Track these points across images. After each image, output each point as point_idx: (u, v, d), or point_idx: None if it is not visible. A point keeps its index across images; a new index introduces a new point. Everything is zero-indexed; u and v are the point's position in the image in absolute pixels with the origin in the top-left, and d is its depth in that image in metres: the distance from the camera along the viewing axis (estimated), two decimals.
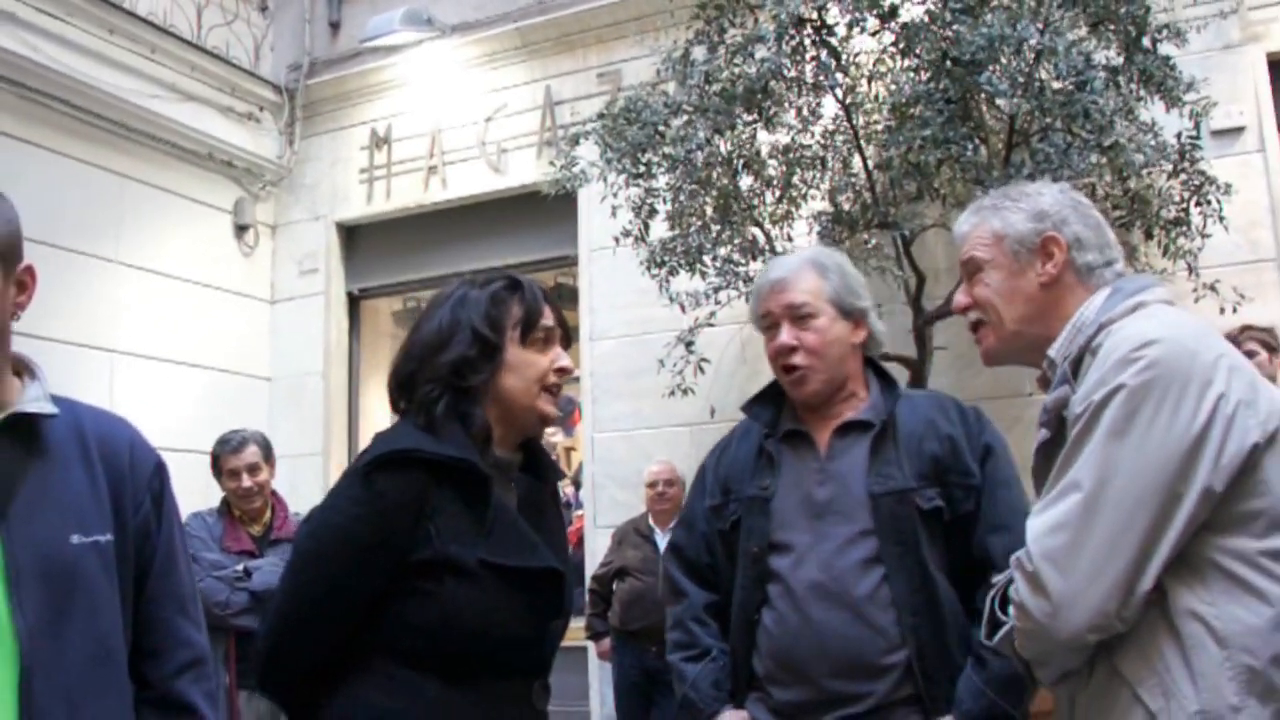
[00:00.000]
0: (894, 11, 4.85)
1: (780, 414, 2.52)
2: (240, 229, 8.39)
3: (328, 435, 8.33)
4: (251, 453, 4.42)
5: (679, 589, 2.57)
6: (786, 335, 2.42)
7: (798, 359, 2.41)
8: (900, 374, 5.60)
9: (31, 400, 1.75)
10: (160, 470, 1.89)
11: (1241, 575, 1.61)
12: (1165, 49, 4.98)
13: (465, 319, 2.01)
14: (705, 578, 2.54)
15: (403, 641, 1.86)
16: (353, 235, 8.68)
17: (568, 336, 2.14)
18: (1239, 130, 6.10)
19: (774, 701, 2.33)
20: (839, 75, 5.00)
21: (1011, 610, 1.74)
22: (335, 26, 8.73)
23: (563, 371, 2.08)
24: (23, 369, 1.80)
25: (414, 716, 1.82)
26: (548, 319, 2.07)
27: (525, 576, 1.94)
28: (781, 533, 2.37)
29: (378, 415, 8.79)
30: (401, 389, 2.06)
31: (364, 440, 8.36)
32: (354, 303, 8.74)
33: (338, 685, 1.86)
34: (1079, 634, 1.66)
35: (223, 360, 8.08)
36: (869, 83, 5.27)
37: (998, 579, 1.82)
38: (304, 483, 7.53)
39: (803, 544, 2.34)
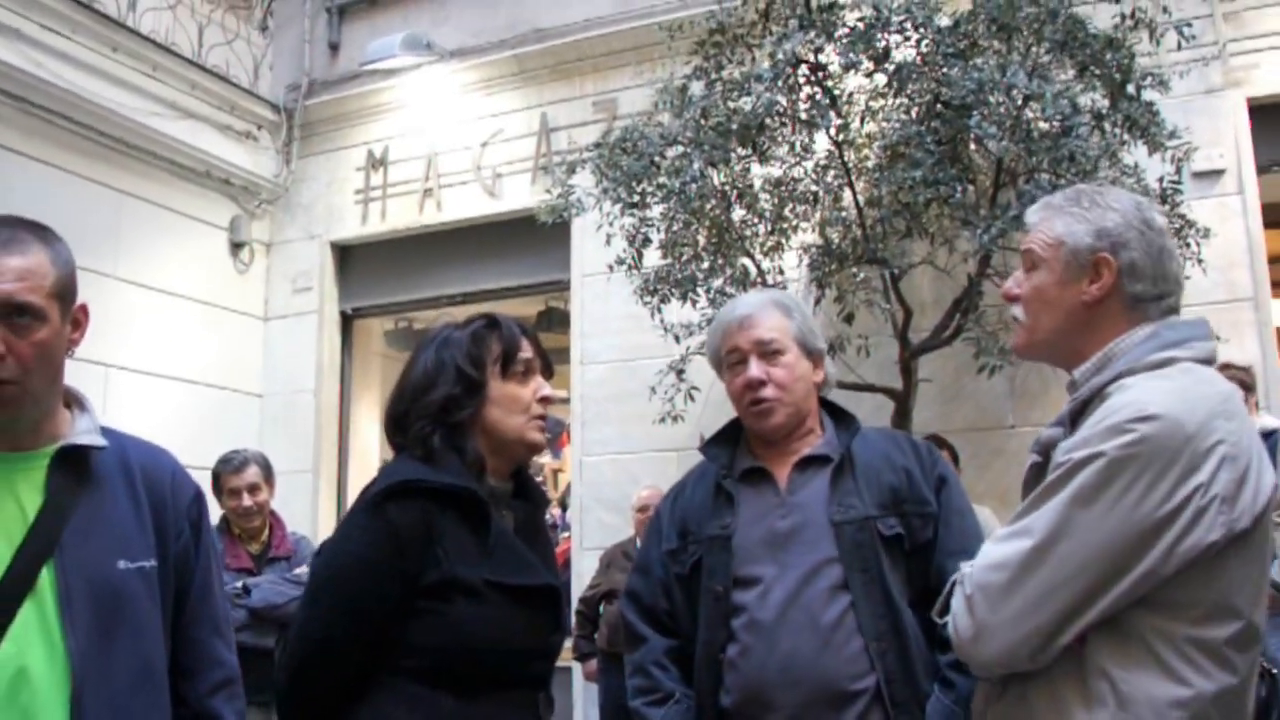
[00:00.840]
0: (887, 54, 4.98)
1: (736, 454, 2.58)
2: (236, 246, 8.48)
3: (318, 453, 8.39)
4: (253, 473, 4.51)
5: (637, 635, 2.59)
6: (756, 369, 2.47)
7: (767, 392, 2.46)
8: (886, 406, 5.73)
9: (82, 433, 1.88)
10: (199, 499, 2.01)
11: (1161, 654, 1.70)
12: (1150, 94, 5.13)
13: (449, 359, 2.16)
14: (663, 623, 2.55)
15: (417, 660, 1.98)
16: (347, 255, 8.77)
17: (549, 366, 2.27)
18: (1219, 173, 6.26)
19: None
20: (832, 114, 5.12)
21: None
22: (334, 48, 8.84)
23: (545, 400, 2.22)
24: (73, 401, 1.93)
25: None
26: (526, 351, 2.21)
27: (527, 593, 2.07)
28: (745, 567, 2.41)
29: (368, 433, 8.89)
30: (396, 427, 2.19)
31: (354, 458, 8.48)
32: (347, 322, 8.82)
33: (357, 706, 1.96)
34: (989, 663, 1.80)
35: (215, 376, 8.15)
36: (861, 121, 5.39)
37: (957, 575, 1.91)
38: (294, 499, 7.58)
39: (769, 575, 2.38)
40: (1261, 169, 6.32)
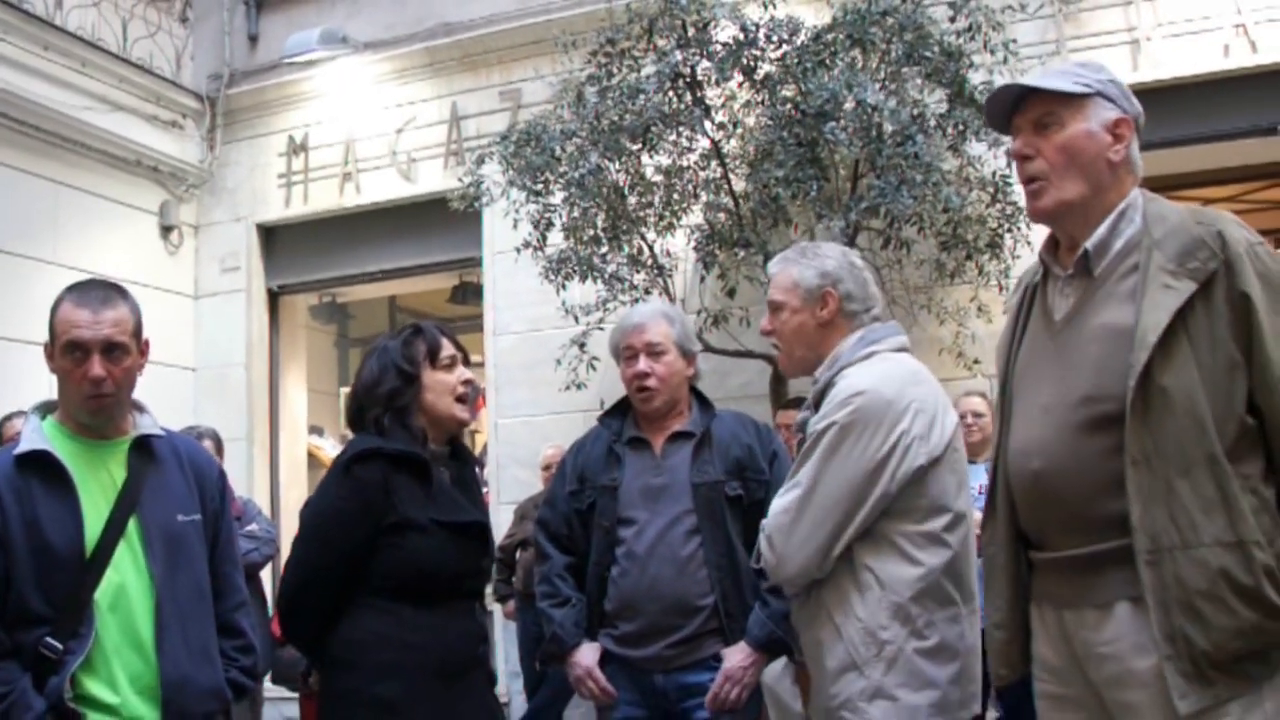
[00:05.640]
0: (755, 68, 5.70)
1: (625, 424, 3.39)
2: (166, 230, 8.94)
3: (251, 422, 8.90)
4: (207, 446, 5.12)
5: (544, 553, 3.40)
6: (643, 364, 3.28)
7: (650, 382, 3.27)
8: (765, 371, 6.50)
9: (147, 427, 2.68)
10: (222, 475, 2.84)
11: (902, 546, 2.54)
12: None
13: (388, 361, 2.90)
14: (564, 545, 3.37)
15: (383, 581, 2.72)
16: (272, 235, 9.23)
17: (467, 357, 3.02)
18: None
19: (618, 633, 3.20)
20: (706, 123, 5.84)
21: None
22: (254, 39, 9.26)
23: (467, 383, 2.97)
24: (135, 406, 2.70)
25: (396, 632, 2.69)
26: (448, 349, 2.95)
27: (461, 528, 2.83)
28: (627, 511, 3.23)
29: (296, 402, 9.43)
30: (354, 417, 2.94)
31: (284, 425, 9.04)
32: (274, 298, 9.28)
33: (339, 621, 2.71)
34: (791, 579, 2.60)
35: (151, 352, 8.59)
36: (734, 125, 6.10)
37: (761, 528, 2.70)
38: (230, 465, 7.97)
39: (643, 519, 3.21)
40: None
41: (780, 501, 2.61)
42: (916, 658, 2.50)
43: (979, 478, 3.55)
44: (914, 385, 2.61)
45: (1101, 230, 2.13)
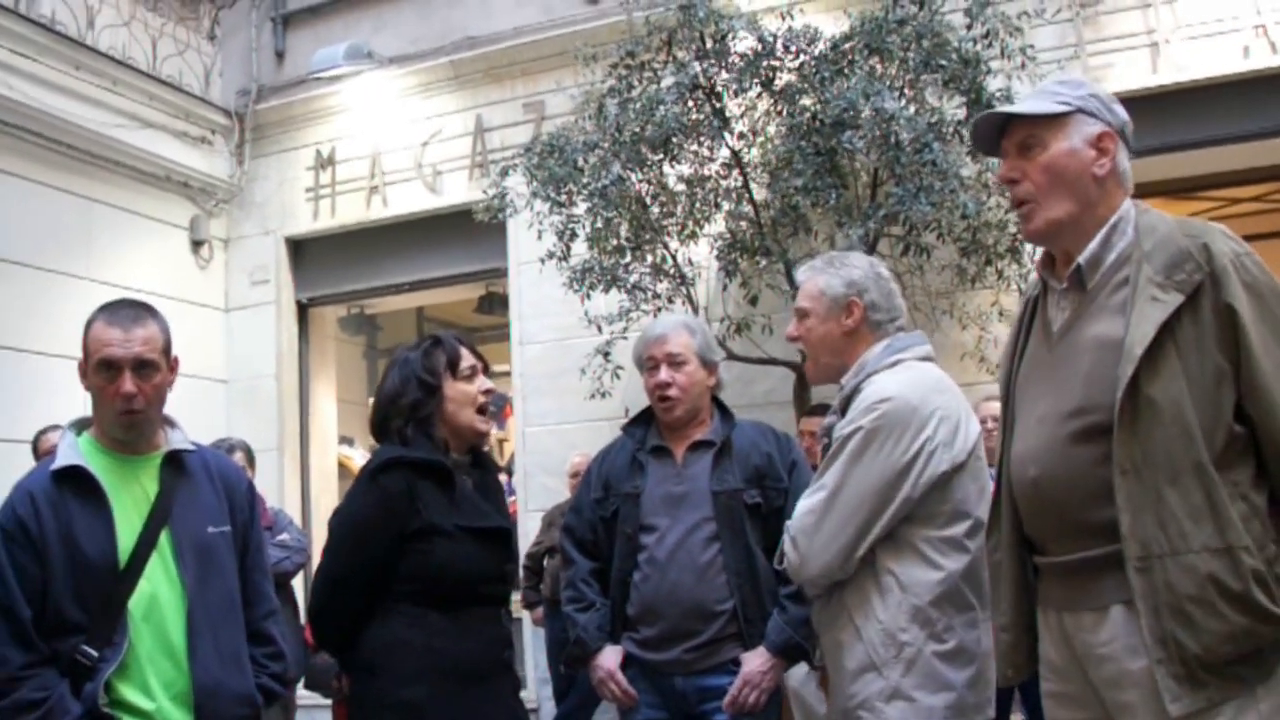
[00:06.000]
0: (773, 79, 5.75)
1: (648, 433, 3.45)
2: (196, 244, 9.10)
3: (282, 432, 9.02)
4: (238, 459, 5.23)
5: (570, 558, 3.48)
6: (664, 374, 3.34)
7: (672, 392, 3.33)
8: (789, 378, 6.55)
9: (178, 442, 2.77)
10: (251, 488, 2.94)
11: (923, 551, 2.60)
12: (1010, 101, 5.91)
13: (410, 373, 2.96)
14: (589, 550, 3.44)
15: (410, 586, 2.79)
16: (300, 249, 9.37)
17: (487, 367, 3.08)
18: None
19: (640, 637, 3.26)
20: (726, 134, 5.90)
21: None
22: (280, 55, 9.40)
23: (488, 393, 3.03)
24: (167, 421, 2.80)
25: (423, 638, 2.75)
26: (468, 359, 3.01)
27: (484, 533, 2.90)
28: (649, 518, 3.29)
29: (326, 412, 9.55)
30: (378, 429, 3.00)
31: (314, 435, 9.15)
32: (303, 310, 9.41)
33: (369, 624, 2.78)
34: (814, 579, 2.66)
35: (183, 365, 8.62)
36: (754, 134, 6.15)
37: (785, 529, 2.75)
38: (261, 475, 8.14)
39: (664, 525, 3.26)
40: None
41: (805, 503, 2.67)
42: (935, 660, 2.56)
43: None
44: (938, 393, 2.67)
45: (1094, 245, 2.18)
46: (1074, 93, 2.24)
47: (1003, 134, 2.28)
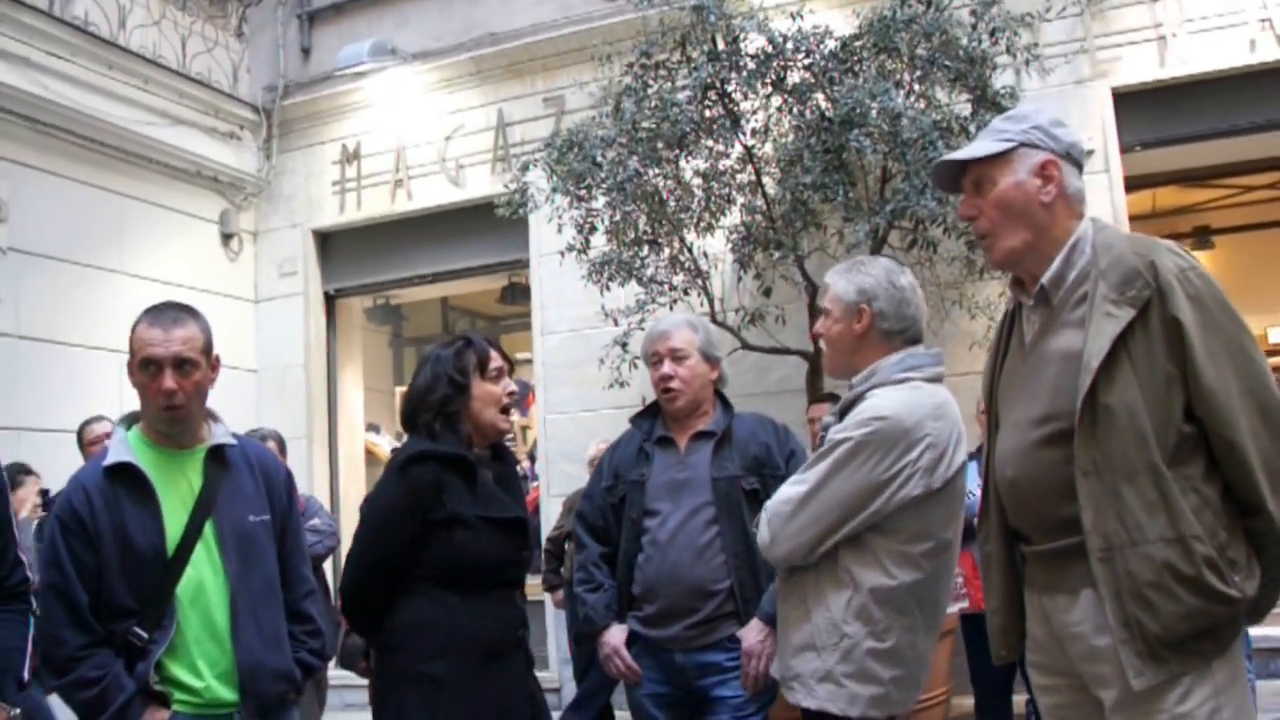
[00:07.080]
0: (783, 79, 5.92)
1: (655, 425, 3.65)
2: (226, 237, 9.36)
3: (310, 420, 9.27)
4: (271, 448, 5.43)
5: (581, 542, 3.69)
6: (668, 368, 3.54)
7: (674, 384, 3.53)
8: (802, 366, 6.72)
9: (221, 436, 2.98)
10: (289, 477, 3.15)
11: (882, 560, 2.80)
12: (1011, 100, 6.07)
13: (441, 371, 3.18)
14: (600, 535, 3.64)
15: (433, 571, 3.00)
16: (327, 241, 9.60)
17: (513, 368, 3.30)
18: (1089, 154, 7.21)
19: (643, 615, 3.46)
20: (739, 133, 6.07)
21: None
22: (306, 52, 9.64)
23: (512, 394, 3.25)
24: (209, 415, 3.00)
25: (446, 617, 2.97)
26: (496, 361, 3.23)
27: (503, 522, 3.12)
28: (652, 503, 3.50)
29: (353, 400, 9.78)
30: (408, 421, 3.22)
31: (342, 423, 9.37)
32: (330, 301, 9.65)
33: (396, 604, 3.00)
34: (778, 560, 2.89)
35: None
36: (765, 131, 6.32)
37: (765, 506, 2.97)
38: (291, 464, 8.33)
39: (666, 510, 3.47)
40: (1125, 149, 7.30)
41: (786, 491, 2.87)
42: (868, 657, 2.78)
43: None
44: (934, 419, 2.83)
45: (1055, 265, 2.37)
46: (1016, 127, 2.42)
47: (963, 173, 2.47)
